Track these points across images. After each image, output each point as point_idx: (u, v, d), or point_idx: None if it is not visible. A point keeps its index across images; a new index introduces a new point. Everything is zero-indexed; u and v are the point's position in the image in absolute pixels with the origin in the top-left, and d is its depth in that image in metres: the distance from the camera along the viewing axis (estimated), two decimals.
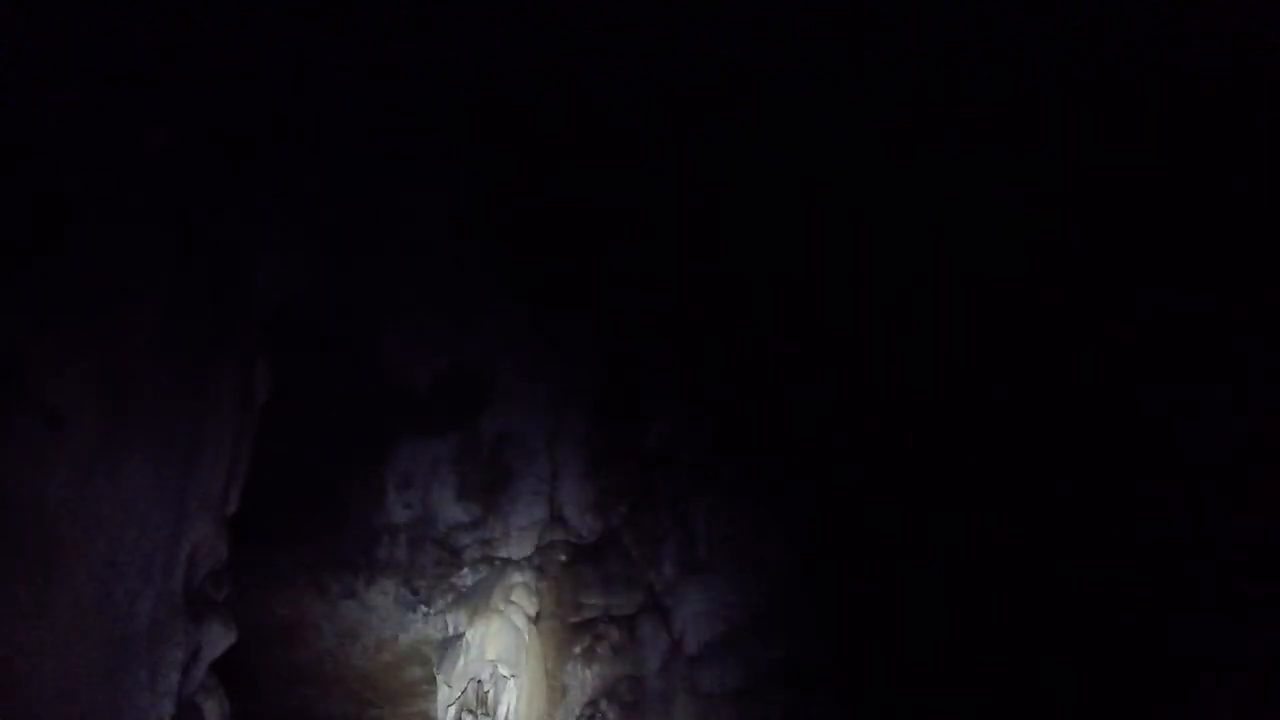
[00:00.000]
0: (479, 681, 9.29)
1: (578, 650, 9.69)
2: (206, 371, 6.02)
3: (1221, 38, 5.93)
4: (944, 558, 9.17)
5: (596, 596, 10.00)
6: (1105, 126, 7.06)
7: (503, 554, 9.98)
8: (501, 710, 9.24)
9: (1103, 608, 8.20)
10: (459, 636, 9.34)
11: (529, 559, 10.01)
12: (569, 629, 9.82)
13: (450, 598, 9.65)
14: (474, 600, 9.59)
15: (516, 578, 9.78)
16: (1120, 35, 6.39)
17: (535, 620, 9.66)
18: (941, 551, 9.21)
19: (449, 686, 9.16)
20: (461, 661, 9.20)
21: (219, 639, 6.31)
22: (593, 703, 9.56)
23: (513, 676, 9.25)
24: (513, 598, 9.62)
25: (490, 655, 9.19)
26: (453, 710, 9.21)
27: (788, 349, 10.14)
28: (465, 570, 9.81)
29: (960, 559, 9.08)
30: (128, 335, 5.44)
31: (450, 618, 9.52)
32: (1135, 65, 6.51)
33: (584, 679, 9.62)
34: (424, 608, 9.53)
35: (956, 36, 7.28)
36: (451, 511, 9.79)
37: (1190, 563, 7.52)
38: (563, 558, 10.10)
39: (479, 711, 9.26)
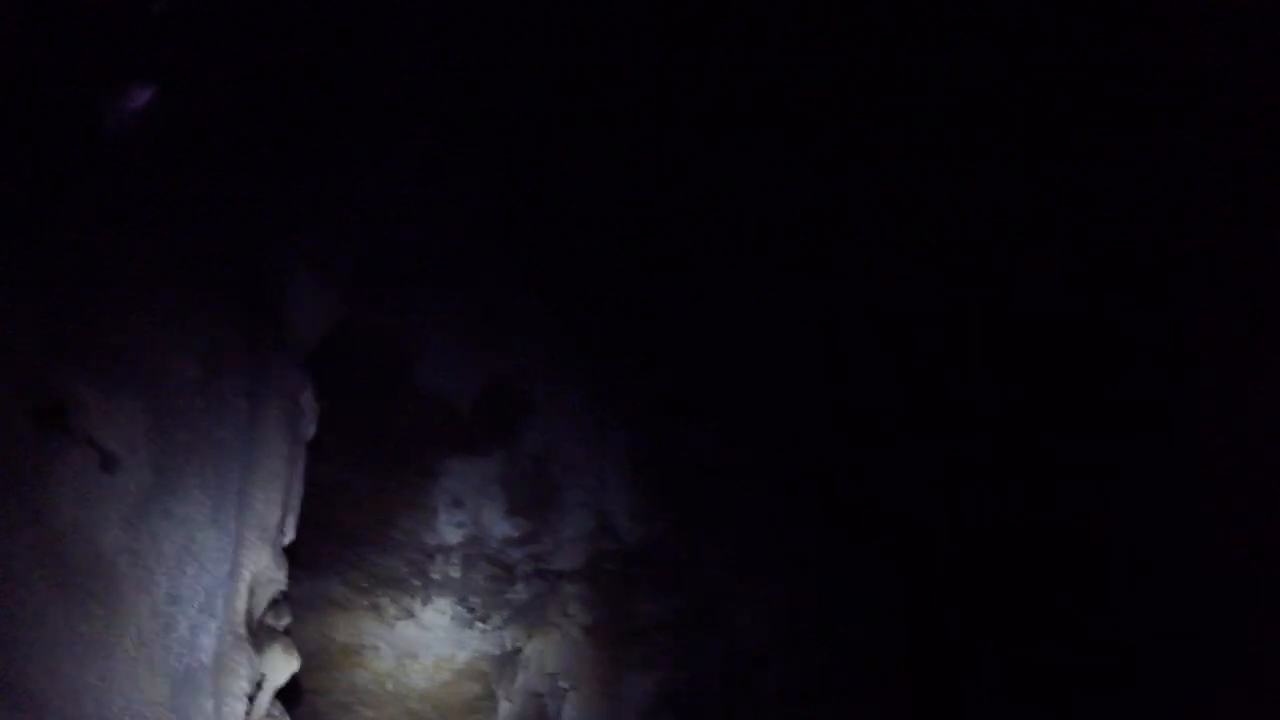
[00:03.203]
0: (538, 695, 9.34)
1: (634, 659, 9.72)
2: (253, 406, 6.11)
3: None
4: (996, 563, 9.19)
5: (649, 604, 10.03)
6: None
7: (555, 567, 10.02)
8: None
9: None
10: (516, 651, 9.41)
11: (581, 570, 10.05)
12: (624, 637, 9.85)
13: (506, 613, 9.72)
14: (529, 614, 9.65)
15: (569, 589, 9.83)
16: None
17: (590, 631, 9.69)
18: (994, 557, 9.23)
19: (509, 701, 9.22)
20: (520, 676, 9.26)
21: (282, 666, 6.39)
22: (652, 710, 9.58)
23: (572, 689, 9.29)
24: (567, 609, 9.68)
25: (548, 668, 9.24)
26: None
27: (833, 350, 10.12)
28: (519, 585, 9.87)
29: (1008, 567, 9.10)
30: (172, 376, 5.54)
31: (507, 633, 9.59)
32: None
33: (642, 687, 9.65)
34: (480, 624, 9.60)
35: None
36: (502, 528, 9.86)
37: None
38: (614, 567, 10.13)
39: None
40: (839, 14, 7.34)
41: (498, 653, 9.58)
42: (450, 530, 9.73)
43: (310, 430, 7.00)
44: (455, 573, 9.64)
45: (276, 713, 6.49)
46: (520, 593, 9.82)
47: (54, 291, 5.11)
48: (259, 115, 6.87)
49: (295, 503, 6.62)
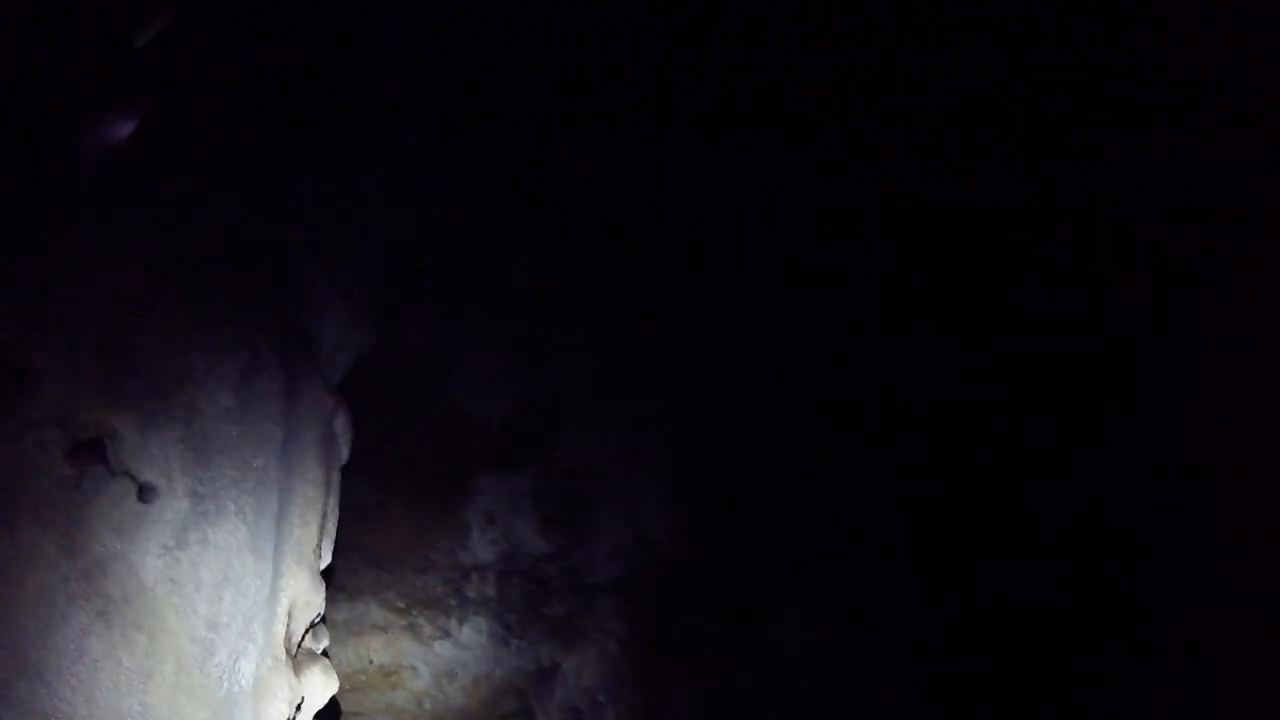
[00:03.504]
0: (577, 711, 9.33)
1: (673, 671, 9.69)
2: (288, 432, 6.17)
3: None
4: (1031, 567, 9.23)
5: (688, 615, 10.00)
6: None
7: (590, 581, 10.02)
8: None
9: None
10: (554, 667, 9.41)
11: (617, 584, 10.04)
12: (663, 650, 9.82)
13: (543, 629, 9.72)
14: (566, 630, 9.65)
15: (606, 603, 9.82)
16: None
17: (628, 645, 9.68)
18: (1032, 561, 9.27)
19: (547, 718, 9.22)
20: (559, 692, 9.27)
21: (322, 689, 6.41)
22: None
23: (610, 703, 9.28)
24: (604, 624, 9.66)
25: (586, 684, 9.24)
26: None
27: (869, 355, 10.10)
28: (555, 600, 9.87)
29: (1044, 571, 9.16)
30: (207, 405, 5.63)
31: (544, 649, 9.58)
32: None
33: (682, 700, 9.62)
34: (517, 641, 9.59)
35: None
36: (536, 544, 9.87)
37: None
38: (651, 579, 10.11)
39: None
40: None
41: (535, 669, 9.59)
42: (484, 548, 9.75)
43: (345, 453, 7.05)
44: (490, 590, 9.66)
45: None
46: (556, 608, 9.82)
47: (82, 322, 5.22)
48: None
49: (331, 526, 6.65)
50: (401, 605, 9.37)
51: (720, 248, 9.82)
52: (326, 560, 6.63)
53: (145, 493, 5.17)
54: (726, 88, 8.47)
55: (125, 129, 5.81)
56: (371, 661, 9.16)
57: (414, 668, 9.37)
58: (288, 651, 6.04)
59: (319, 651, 6.52)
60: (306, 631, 6.39)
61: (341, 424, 6.89)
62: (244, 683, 5.58)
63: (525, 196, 9.42)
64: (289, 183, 7.18)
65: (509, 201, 9.44)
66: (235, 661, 5.53)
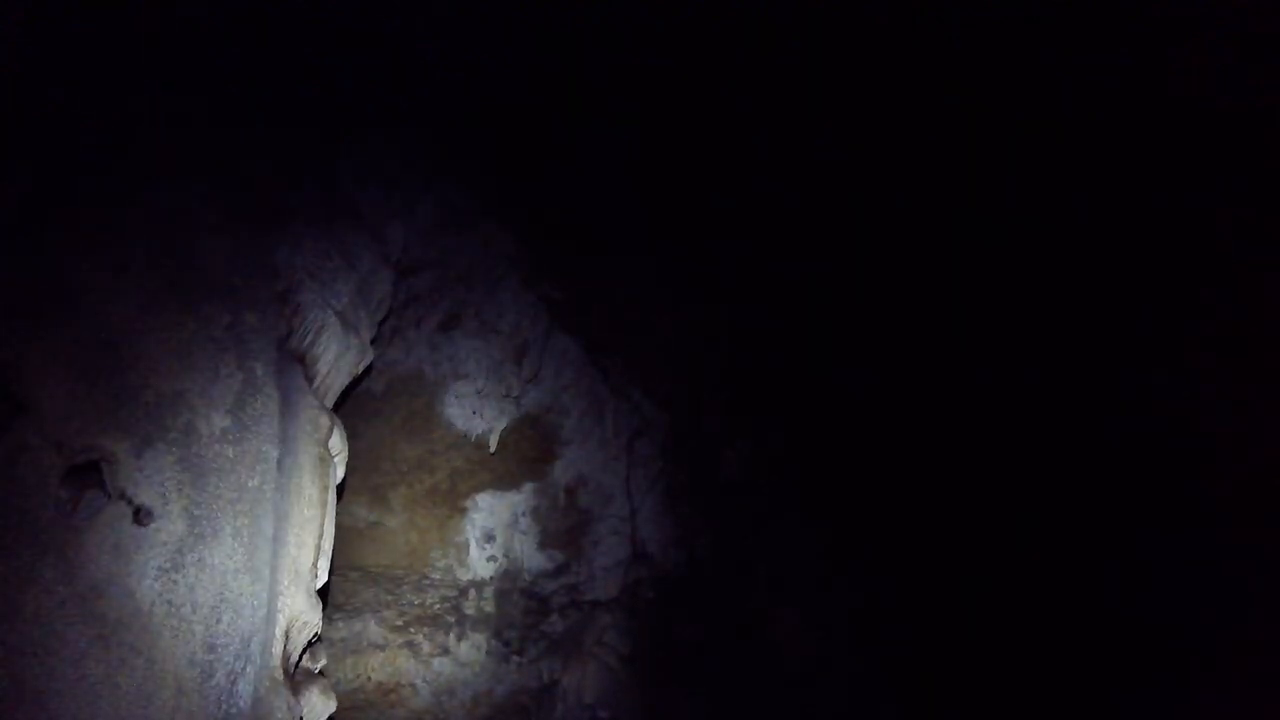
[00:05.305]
0: None
1: (677, 684, 9.68)
2: (283, 453, 6.17)
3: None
4: (1031, 573, 9.24)
5: (689, 628, 10.00)
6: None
7: (590, 597, 10.02)
8: None
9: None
10: (554, 683, 9.39)
11: (617, 599, 10.04)
12: (665, 664, 9.81)
13: (542, 645, 9.72)
14: (566, 646, 9.64)
15: (606, 619, 9.81)
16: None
17: (628, 659, 9.66)
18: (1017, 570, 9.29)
19: None
20: (559, 708, 9.25)
21: (321, 709, 6.41)
22: None
23: (611, 718, 9.26)
24: (604, 639, 9.65)
25: (587, 699, 9.22)
26: None
27: (860, 371, 10.10)
28: (554, 616, 9.88)
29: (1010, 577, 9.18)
30: (203, 429, 5.64)
31: (544, 665, 9.58)
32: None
33: (683, 712, 9.60)
34: (517, 658, 9.60)
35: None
36: (535, 560, 9.89)
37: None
38: (651, 594, 10.11)
39: None
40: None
41: (536, 686, 9.57)
42: (483, 565, 9.76)
43: (340, 472, 7.06)
44: (489, 607, 9.66)
45: None
46: (555, 624, 9.82)
47: (77, 343, 5.23)
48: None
49: (327, 545, 6.66)
50: (399, 623, 9.36)
51: (717, 250, 9.83)
52: (323, 579, 6.64)
53: (141, 515, 5.17)
54: (726, 89, 8.48)
55: (125, 129, 5.83)
56: (370, 679, 9.15)
57: (413, 685, 9.34)
58: (285, 671, 6.03)
59: (317, 670, 6.52)
60: (304, 651, 6.39)
61: (337, 443, 6.90)
62: (242, 704, 5.57)
63: (518, 205, 9.43)
64: (288, 196, 7.20)
65: (502, 211, 9.46)
66: (233, 683, 5.53)
